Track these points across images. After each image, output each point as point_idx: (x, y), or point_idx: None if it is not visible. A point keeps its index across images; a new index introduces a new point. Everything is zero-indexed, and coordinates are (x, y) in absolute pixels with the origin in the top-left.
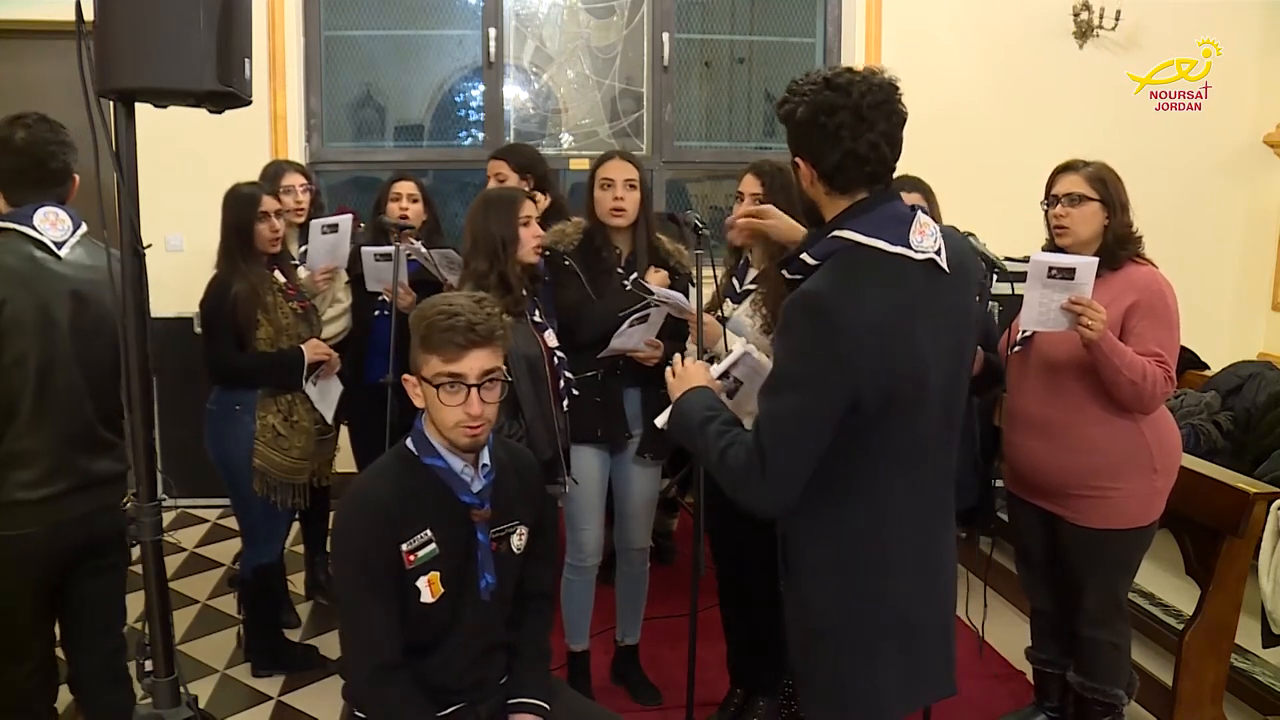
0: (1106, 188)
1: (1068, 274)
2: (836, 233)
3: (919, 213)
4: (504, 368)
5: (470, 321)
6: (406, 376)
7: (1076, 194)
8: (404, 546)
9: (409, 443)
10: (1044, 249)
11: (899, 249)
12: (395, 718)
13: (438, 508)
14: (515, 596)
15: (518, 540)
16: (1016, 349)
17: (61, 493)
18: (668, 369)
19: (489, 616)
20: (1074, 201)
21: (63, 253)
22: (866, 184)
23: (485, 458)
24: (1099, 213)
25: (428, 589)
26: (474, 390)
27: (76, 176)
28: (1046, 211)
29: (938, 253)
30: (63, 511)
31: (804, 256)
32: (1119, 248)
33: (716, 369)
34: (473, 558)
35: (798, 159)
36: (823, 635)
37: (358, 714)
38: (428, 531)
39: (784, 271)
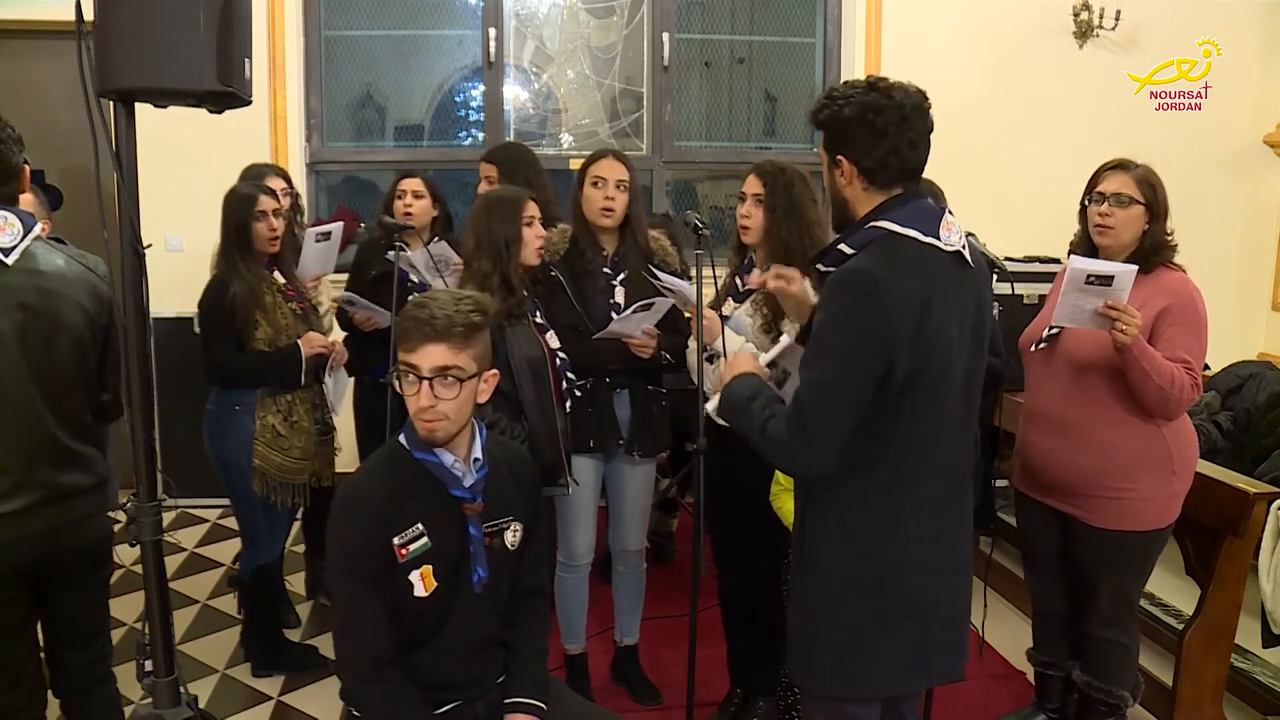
0: (1154, 192)
1: (1105, 281)
2: (874, 223)
3: (946, 211)
4: (465, 368)
5: (431, 315)
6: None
7: (1125, 195)
8: (395, 540)
9: (401, 437)
10: (1074, 244)
11: (930, 240)
12: (387, 712)
13: (429, 502)
14: (511, 594)
15: (512, 536)
16: (1041, 345)
17: (25, 507)
18: (721, 360)
19: (483, 611)
20: (1122, 203)
21: (11, 260)
22: (901, 180)
23: (477, 452)
24: (1142, 216)
25: (420, 583)
26: (425, 383)
27: (27, 168)
28: (1086, 206)
29: (963, 248)
30: (27, 526)
31: (841, 247)
32: (1154, 254)
33: (765, 358)
34: (465, 552)
35: (840, 156)
36: (836, 608)
37: (355, 714)
38: (419, 525)
39: (818, 265)
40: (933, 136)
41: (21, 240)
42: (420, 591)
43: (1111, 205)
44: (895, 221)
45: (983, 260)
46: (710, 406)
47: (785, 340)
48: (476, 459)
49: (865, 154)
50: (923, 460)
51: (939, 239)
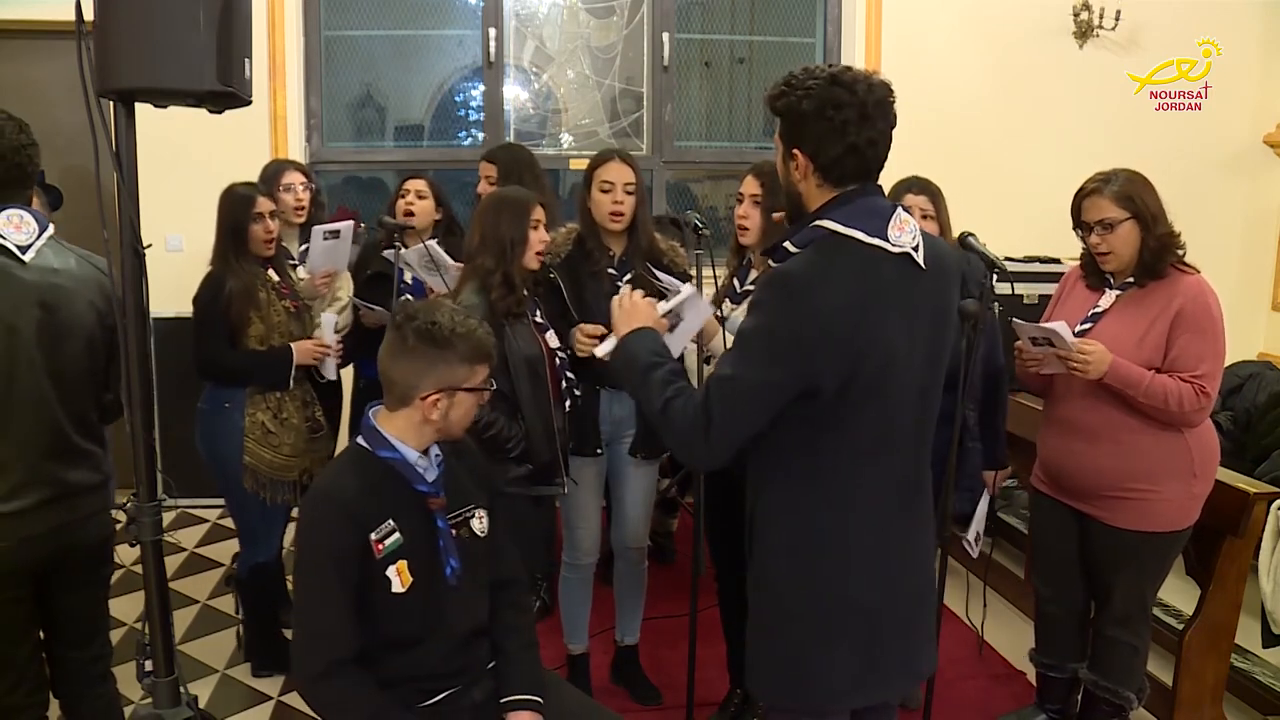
0: (1135, 202)
1: (1047, 341)
2: (818, 222)
3: (899, 209)
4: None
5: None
6: (438, 394)
7: (1108, 220)
8: (372, 536)
9: (360, 439)
10: (1083, 261)
11: (875, 241)
12: (345, 708)
13: (397, 499)
14: (490, 585)
15: (478, 524)
16: None
17: (34, 505)
18: (614, 299)
19: (463, 601)
20: (1108, 228)
21: (27, 257)
22: (858, 178)
23: (435, 447)
24: (1134, 229)
25: (397, 578)
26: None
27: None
28: (1082, 238)
29: (915, 249)
30: (35, 524)
31: (786, 245)
32: (1160, 259)
33: (663, 306)
34: (435, 545)
35: (795, 150)
36: (781, 619)
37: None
38: (391, 521)
39: (769, 260)
40: (933, 138)
41: (36, 239)
42: (398, 588)
43: (1099, 233)
44: (839, 221)
45: (948, 263)
46: (602, 350)
47: (687, 290)
48: (437, 454)
49: (821, 150)
50: (871, 469)
51: (886, 239)
